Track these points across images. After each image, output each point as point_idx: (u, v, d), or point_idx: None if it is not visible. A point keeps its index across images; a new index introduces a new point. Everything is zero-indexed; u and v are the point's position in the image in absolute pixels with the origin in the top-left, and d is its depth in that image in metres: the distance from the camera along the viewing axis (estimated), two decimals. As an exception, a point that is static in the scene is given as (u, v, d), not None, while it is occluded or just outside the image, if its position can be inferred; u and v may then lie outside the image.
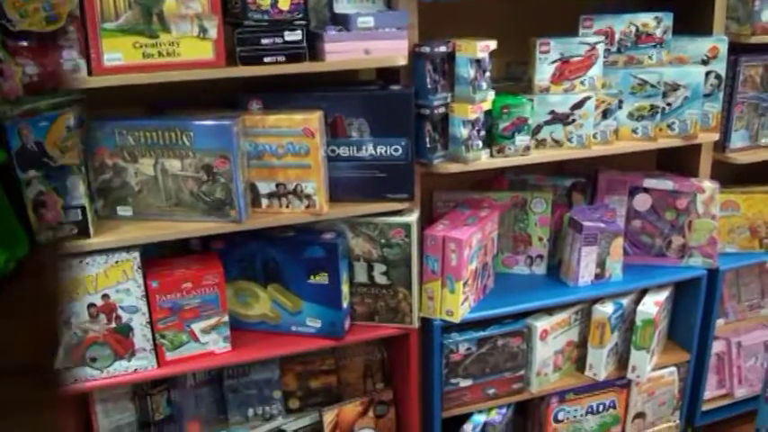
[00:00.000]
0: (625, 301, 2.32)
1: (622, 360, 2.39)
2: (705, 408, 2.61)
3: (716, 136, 2.31)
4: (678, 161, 2.43)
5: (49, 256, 2.11)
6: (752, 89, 2.35)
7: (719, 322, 2.53)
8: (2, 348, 1.89)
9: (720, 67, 2.24)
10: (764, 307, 2.67)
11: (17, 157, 1.93)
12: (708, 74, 2.22)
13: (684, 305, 2.46)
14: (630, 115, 2.18)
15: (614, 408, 2.44)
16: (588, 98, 2.11)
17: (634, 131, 2.20)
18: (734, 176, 2.48)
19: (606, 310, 2.27)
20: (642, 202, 2.37)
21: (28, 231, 2.25)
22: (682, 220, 2.35)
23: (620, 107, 2.17)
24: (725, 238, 2.46)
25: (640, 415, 2.49)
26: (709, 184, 2.32)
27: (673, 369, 2.47)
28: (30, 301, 2.12)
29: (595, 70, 2.11)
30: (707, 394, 2.60)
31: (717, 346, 2.59)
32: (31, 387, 1.82)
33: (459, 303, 2.08)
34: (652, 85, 2.16)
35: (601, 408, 2.43)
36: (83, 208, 1.89)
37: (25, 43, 1.87)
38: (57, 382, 1.83)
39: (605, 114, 2.16)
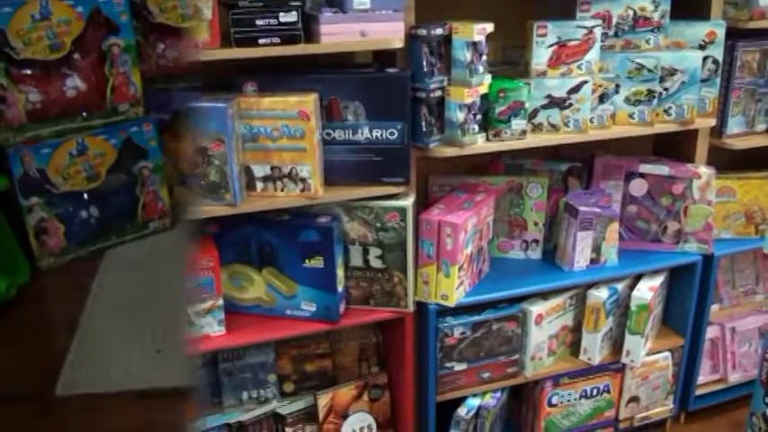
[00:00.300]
0: (620, 286, 2.33)
1: (617, 345, 2.40)
2: (699, 392, 2.63)
3: (712, 121, 2.30)
4: (674, 146, 2.43)
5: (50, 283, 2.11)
6: (749, 75, 2.34)
7: (714, 308, 2.54)
8: (2, 375, 1.89)
9: (718, 52, 2.23)
10: (759, 293, 2.68)
11: (19, 184, 1.94)
12: (705, 59, 2.21)
13: (679, 290, 2.46)
14: (627, 100, 2.18)
15: (608, 392, 2.45)
16: (585, 82, 2.10)
17: (631, 116, 2.19)
18: (730, 162, 2.48)
19: (601, 294, 2.28)
20: (638, 187, 2.37)
21: (29, 258, 2.26)
22: (677, 206, 2.35)
23: (616, 92, 2.16)
24: (720, 223, 2.46)
25: (634, 399, 2.50)
26: (705, 170, 2.32)
27: (667, 354, 2.48)
28: (30, 327, 2.12)
29: (592, 54, 2.10)
30: (701, 379, 2.62)
31: (711, 332, 2.59)
32: (31, 414, 1.82)
33: (454, 287, 2.08)
34: (649, 70, 2.15)
35: (595, 392, 2.43)
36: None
37: (29, 71, 1.87)
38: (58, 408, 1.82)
39: (602, 99, 2.16)
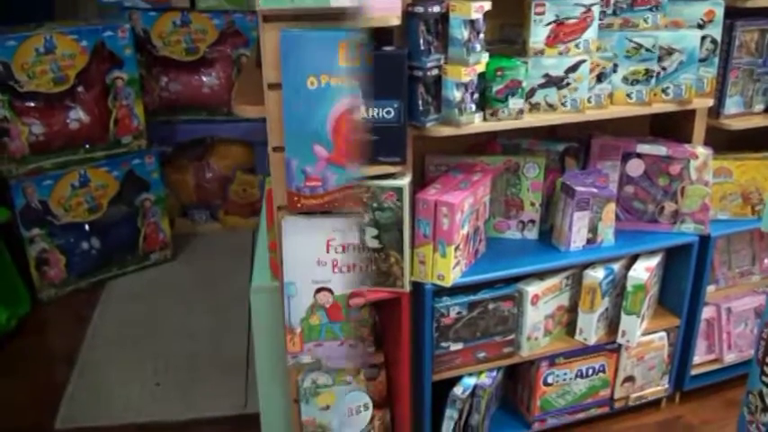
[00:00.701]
0: (616, 267, 2.33)
1: (612, 325, 2.41)
2: (694, 372, 2.64)
3: (710, 101, 2.29)
4: (672, 127, 2.42)
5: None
6: (747, 55, 2.32)
7: (710, 288, 2.54)
8: (2, 408, 1.88)
9: (716, 31, 2.21)
10: (755, 274, 2.68)
11: (21, 216, 1.93)
12: (703, 38, 2.20)
13: (675, 271, 2.47)
14: (625, 79, 2.17)
15: (604, 372, 2.46)
16: (583, 61, 2.08)
17: (628, 96, 2.18)
18: (727, 143, 2.47)
19: (597, 275, 2.28)
20: (635, 167, 2.36)
21: (30, 289, 2.26)
22: (674, 186, 2.35)
23: (614, 71, 2.15)
24: (717, 204, 2.45)
25: (630, 379, 2.51)
26: (702, 150, 2.31)
27: (662, 334, 2.49)
28: (31, 359, 2.12)
29: (590, 33, 2.09)
30: (696, 359, 2.63)
31: (707, 312, 2.60)
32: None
33: (450, 267, 2.08)
34: (647, 49, 2.13)
35: (590, 372, 2.44)
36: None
37: (32, 104, 1.86)
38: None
39: (600, 78, 2.14)
